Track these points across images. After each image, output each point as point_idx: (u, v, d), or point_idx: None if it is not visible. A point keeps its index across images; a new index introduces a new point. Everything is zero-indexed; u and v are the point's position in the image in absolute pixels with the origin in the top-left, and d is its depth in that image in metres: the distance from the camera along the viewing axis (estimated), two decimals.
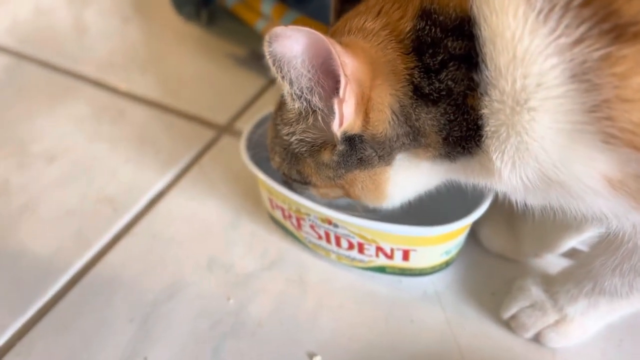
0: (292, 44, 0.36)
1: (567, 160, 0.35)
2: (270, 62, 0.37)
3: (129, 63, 0.95)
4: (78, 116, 0.83)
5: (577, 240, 0.56)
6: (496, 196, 0.51)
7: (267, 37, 0.36)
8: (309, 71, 0.38)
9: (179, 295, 0.58)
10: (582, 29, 0.32)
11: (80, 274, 0.61)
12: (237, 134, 0.79)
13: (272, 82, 0.87)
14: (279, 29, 0.35)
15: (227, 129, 0.80)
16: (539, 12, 0.33)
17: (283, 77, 0.38)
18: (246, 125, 0.62)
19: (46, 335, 0.55)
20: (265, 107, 0.64)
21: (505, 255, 0.59)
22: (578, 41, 0.32)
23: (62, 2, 1.14)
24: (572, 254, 0.59)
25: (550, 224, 0.55)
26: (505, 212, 0.58)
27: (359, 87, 0.39)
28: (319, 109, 0.41)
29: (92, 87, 0.90)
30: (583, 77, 0.32)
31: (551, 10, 0.32)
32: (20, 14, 1.10)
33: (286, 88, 0.39)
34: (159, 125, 0.81)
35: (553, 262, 0.59)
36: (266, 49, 0.36)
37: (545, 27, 0.33)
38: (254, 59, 0.91)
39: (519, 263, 0.59)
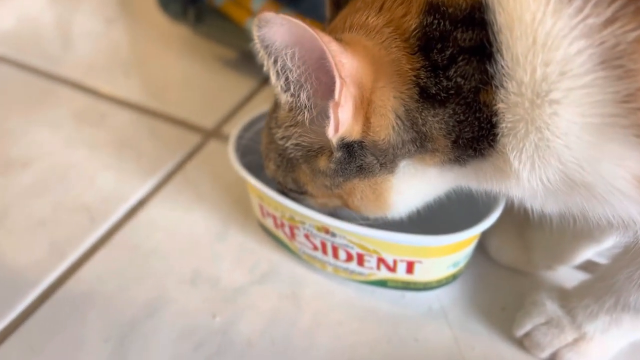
0: (283, 33, 0.33)
1: (593, 159, 0.32)
2: (258, 46, 0.33)
3: (112, 65, 0.91)
4: (56, 120, 0.78)
5: (595, 251, 0.52)
6: (506, 203, 0.47)
7: (256, 21, 0.32)
8: (298, 67, 0.34)
9: (159, 313, 0.53)
10: (614, 7, 0.28)
11: (51, 288, 0.56)
12: (224, 138, 0.74)
13: (263, 84, 0.83)
14: (270, 15, 0.32)
15: (215, 133, 0.75)
16: None
17: (271, 66, 0.34)
18: (235, 129, 0.57)
19: (11, 356, 0.50)
20: (256, 110, 0.60)
21: (516, 267, 0.55)
22: (609, 21, 0.29)
23: (44, 3, 1.09)
24: (586, 266, 0.55)
25: (565, 233, 0.51)
26: (515, 220, 0.54)
27: (358, 89, 0.36)
28: (306, 108, 0.37)
29: (72, 89, 0.85)
30: (615, 62, 0.29)
31: None
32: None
33: (273, 79, 0.35)
34: (141, 130, 0.76)
35: (567, 274, 0.55)
36: (255, 33, 0.33)
37: (571, 6, 0.29)
38: (244, 60, 0.87)
39: (531, 276, 0.55)
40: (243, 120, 0.59)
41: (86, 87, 0.85)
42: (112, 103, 0.82)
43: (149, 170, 0.69)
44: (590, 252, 0.52)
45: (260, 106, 0.59)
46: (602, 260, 0.53)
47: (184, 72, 0.88)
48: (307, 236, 0.50)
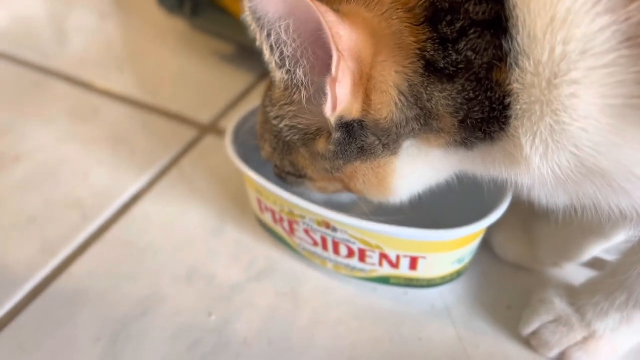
0: (277, 3, 0.31)
1: (612, 143, 0.30)
2: (249, 19, 0.31)
3: (106, 59, 0.89)
4: (49, 114, 0.76)
5: (603, 248, 0.50)
6: (512, 198, 0.45)
7: None
8: (294, 40, 0.32)
9: (153, 311, 0.51)
10: None
11: (41, 286, 0.54)
12: (221, 133, 0.73)
13: (260, 79, 0.81)
14: None
15: (211, 128, 0.74)
16: None
17: (264, 41, 0.32)
18: (232, 122, 0.56)
19: (0, 355, 0.48)
20: (254, 104, 0.58)
21: (521, 264, 0.54)
22: None
23: None
24: (594, 263, 0.53)
25: (573, 229, 0.50)
26: (521, 216, 0.53)
27: (357, 64, 0.34)
28: (303, 85, 0.35)
29: (65, 83, 0.83)
30: None
31: None
32: None
33: (267, 54, 0.33)
34: (136, 124, 0.75)
35: (574, 272, 0.53)
36: (246, 4, 0.31)
37: None
38: (241, 54, 0.85)
39: (536, 273, 0.54)
40: (240, 113, 0.57)
41: (80, 81, 0.83)
42: (106, 97, 0.80)
43: (143, 165, 0.67)
44: (598, 249, 0.51)
45: (257, 102, 0.57)
46: (610, 258, 0.52)
47: (180, 67, 0.86)
48: (307, 231, 0.49)
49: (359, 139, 0.37)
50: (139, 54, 0.91)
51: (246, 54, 0.84)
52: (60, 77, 0.84)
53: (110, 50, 0.92)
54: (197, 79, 0.83)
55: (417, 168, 0.39)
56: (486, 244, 0.54)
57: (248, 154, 0.52)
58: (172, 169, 0.67)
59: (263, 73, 0.81)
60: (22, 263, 0.56)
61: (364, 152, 0.38)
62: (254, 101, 0.61)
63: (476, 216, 0.44)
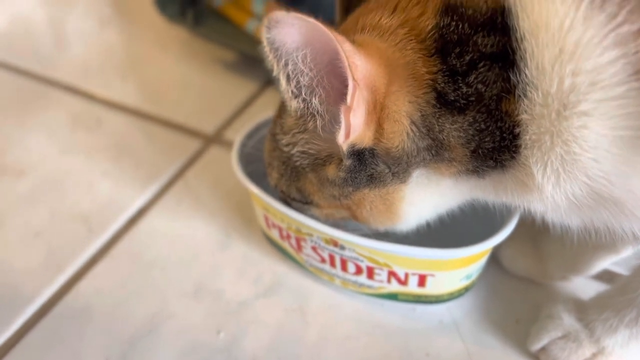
0: (294, 33, 0.31)
1: (623, 174, 0.30)
2: (267, 50, 0.31)
3: (107, 68, 0.88)
4: (50, 125, 0.76)
5: (611, 261, 0.50)
6: (521, 213, 0.45)
7: (265, 21, 0.31)
8: (311, 69, 0.33)
9: (161, 329, 0.51)
10: None
11: (49, 303, 0.54)
12: (226, 144, 0.72)
13: (264, 87, 0.81)
14: (280, 14, 0.30)
15: (215, 139, 0.73)
16: None
17: (281, 71, 0.32)
18: (236, 135, 0.55)
19: None
20: (257, 115, 0.58)
21: (529, 277, 0.53)
22: None
23: (36, 4, 1.07)
24: (602, 275, 0.53)
25: (583, 245, 0.49)
26: (530, 230, 0.52)
27: (371, 93, 0.34)
28: (318, 114, 0.35)
29: (66, 93, 0.83)
30: None
31: None
32: None
33: (283, 83, 0.33)
34: (139, 135, 0.74)
35: (582, 285, 0.53)
36: (264, 35, 0.31)
37: (603, 12, 0.28)
38: (244, 63, 0.84)
39: (545, 286, 0.53)
40: (245, 126, 0.57)
41: (81, 90, 0.83)
42: (108, 107, 0.79)
43: (148, 177, 0.67)
44: (607, 262, 0.50)
45: (261, 110, 0.57)
46: (618, 270, 0.52)
47: (183, 76, 0.86)
48: (314, 249, 0.48)
49: (369, 167, 0.37)
50: (140, 62, 0.91)
51: (249, 62, 0.84)
52: (61, 86, 0.84)
53: (111, 59, 0.91)
54: (200, 87, 0.83)
55: (426, 196, 0.39)
56: (494, 258, 0.54)
57: (254, 170, 0.51)
58: (177, 181, 0.67)
59: (266, 81, 0.81)
60: (29, 280, 0.55)
61: (373, 180, 0.38)
62: (258, 110, 0.61)
63: (485, 233, 0.44)
